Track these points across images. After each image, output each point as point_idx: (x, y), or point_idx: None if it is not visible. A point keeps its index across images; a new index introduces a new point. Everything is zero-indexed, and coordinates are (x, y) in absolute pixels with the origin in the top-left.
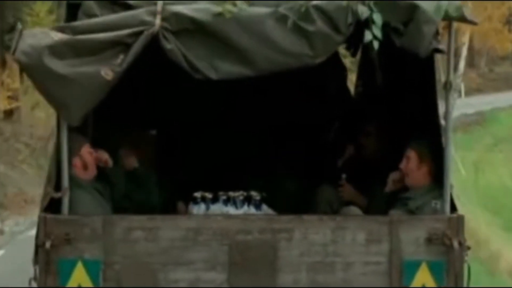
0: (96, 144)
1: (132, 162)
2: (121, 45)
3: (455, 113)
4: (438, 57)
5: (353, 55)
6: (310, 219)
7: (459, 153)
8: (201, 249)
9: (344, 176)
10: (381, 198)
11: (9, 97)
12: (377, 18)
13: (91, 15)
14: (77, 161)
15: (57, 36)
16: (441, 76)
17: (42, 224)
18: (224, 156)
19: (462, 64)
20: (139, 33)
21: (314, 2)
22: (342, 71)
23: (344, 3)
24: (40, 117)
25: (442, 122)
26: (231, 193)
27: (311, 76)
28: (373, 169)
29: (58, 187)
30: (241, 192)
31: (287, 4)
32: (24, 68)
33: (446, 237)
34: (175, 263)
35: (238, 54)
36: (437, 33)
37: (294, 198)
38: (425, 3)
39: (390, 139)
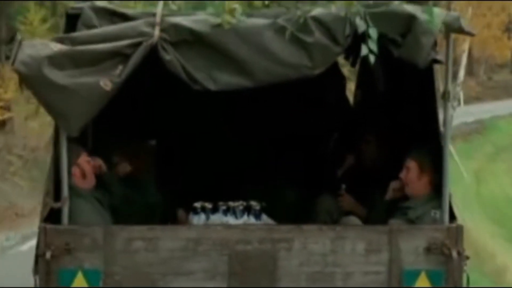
0: (93, 153)
1: (125, 167)
2: (120, 56)
3: (455, 121)
4: (437, 66)
5: (352, 65)
6: (310, 229)
7: (459, 162)
8: (201, 259)
9: (343, 186)
10: (380, 208)
11: (1, 107)
12: (373, 32)
13: (90, 26)
14: (76, 171)
15: (57, 47)
16: (440, 85)
17: (42, 235)
18: (224, 166)
19: (462, 73)
20: (138, 44)
21: (313, 13)
22: (341, 80)
23: (342, 14)
24: (34, 128)
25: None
26: (231, 203)
27: (310, 86)
28: (373, 178)
29: (57, 197)
30: (240, 202)
31: (286, 16)
32: (23, 79)
33: (445, 246)
34: (175, 273)
35: (237, 65)
36: (435, 44)
37: (294, 208)
38: (423, 14)
39: (390, 148)
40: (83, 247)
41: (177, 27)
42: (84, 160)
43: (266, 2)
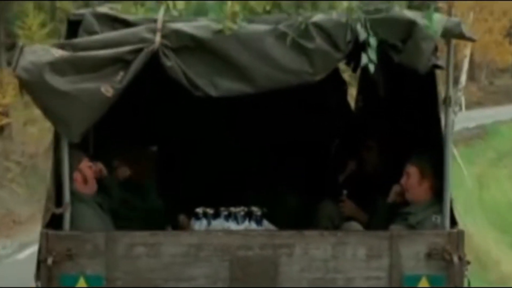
0: (94, 158)
1: (124, 171)
2: (121, 62)
3: (456, 126)
4: (439, 71)
5: (354, 70)
6: (311, 235)
7: (461, 168)
8: (203, 264)
9: (345, 192)
10: (382, 213)
11: None
12: (373, 41)
13: (92, 32)
14: (77, 176)
15: (58, 53)
16: (441, 90)
17: (44, 240)
18: (225, 172)
19: (463, 77)
20: (139, 50)
21: (314, 20)
22: (342, 86)
23: (343, 20)
24: (33, 134)
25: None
26: (232, 209)
27: (311, 92)
28: (374, 184)
29: (58, 202)
30: (242, 208)
31: (287, 22)
32: (24, 85)
33: (446, 252)
34: (177, 279)
35: (238, 71)
36: (436, 49)
37: (295, 213)
38: (424, 20)
39: (391, 154)
40: (85, 253)
41: (178, 33)
42: (86, 165)
43: (268, 8)
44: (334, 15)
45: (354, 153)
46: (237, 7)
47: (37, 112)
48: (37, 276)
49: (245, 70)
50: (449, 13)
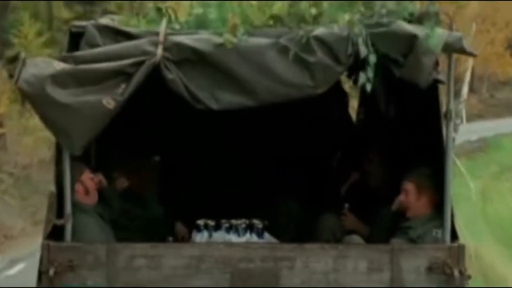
0: (95, 170)
1: (122, 182)
2: (123, 74)
3: (458, 139)
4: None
5: (355, 83)
6: (312, 248)
7: (465, 181)
8: (204, 277)
9: (346, 205)
10: (383, 225)
11: None
12: (373, 58)
13: (94, 45)
14: (79, 187)
15: (59, 65)
16: (442, 103)
17: (45, 251)
18: (227, 184)
19: (465, 90)
20: (141, 63)
21: (315, 33)
22: (344, 98)
23: (345, 34)
24: (27, 144)
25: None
26: (234, 221)
27: (312, 104)
28: (376, 196)
29: (60, 213)
30: (243, 220)
31: (288, 35)
32: (26, 97)
33: (447, 266)
34: None
35: (239, 85)
36: (437, 64)
37: (296, 226)
38: (425, 34)
39: (393, 167)
40: (86, 264)
41: (180, 46)
42: (88, 177)
43: (270, 22)
44: (335, 28)
45: (356, 165)
46: (237, 20)
47: (31, 122)
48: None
49: (246, 84)
50: (451, 26)
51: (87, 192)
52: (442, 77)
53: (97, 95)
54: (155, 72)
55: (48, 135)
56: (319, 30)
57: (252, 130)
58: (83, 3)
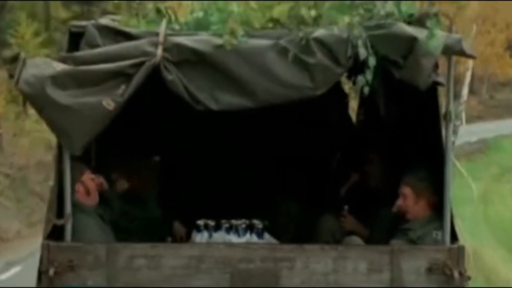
0: (95, 171)
1: (122, 184)
2: (123, 75)
3: (458, 141)
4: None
5: (355, 84)
6: (312, 249)
7: (465, 182)
8: (203, 277)
9: (346, 207)
10: (383, 227)
11: None
12: (372, 61)
13: (94, 45)
14: (79, 187)
15: (59, 66)
16: (442, 104)
17: (45, 251)
18: (226, 185)
19: (465, 91)
20: (141, 63)
21: (315, 35)
22: (343, 99)
23: (345, 36)
24: (23, 145)
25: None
26: (234, 221)
27: (312, 105)
28: (376, 197)
29: (60, 213)
30: (243, 221)
31: (288, 37)
32: (27, 98)
33: (447, 267)
34: None
35: (239, 86)
36: (436, 65)
37: (296, 226)
38: (425, 36)
39: (393, 168)
40: (86, 264)
41: (179, 47)
42: (89, 177)
43: (270, 25)
44: (335, 30)
45: (355, 166)
46: (236, 24)
47: (28, 123)
48: (38, 287)
49: (246, 85)
50: (450, 28)
51: (87, 192)
52: (441, 79)
53: (97, 96)
54: (155, 73)
55: (44, 136)
56: (319, 32)
57: (252, 131)
58: (81, 3)
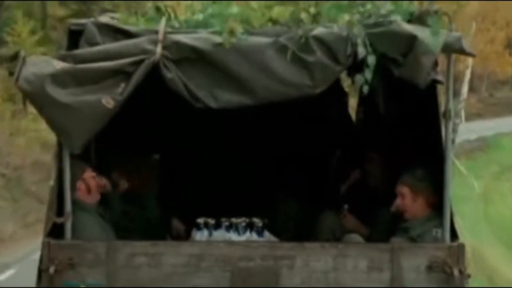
0: (95, 169)
1: (123, 185)
2: (122, 73)
3: (457, 139)
4: None
5: (354, 82)
6: (312, 247)
7: (465, 181)
8: (204, 275)
9: (346, 206)
10: (383, 226)
11: None
12: (371, 60)
13: (93, 43)
14: (81, 185)
15: (59, 64)
16: (442, 102)
17: (45, 249)
18: (226, 183)
19: (465, 89)
20: (140, 61)
21: (314, 33)
22: (343, 97)
23: (344, 34)
24: (19, 145)
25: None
26: (234, 220)
27: (311, 103)
28: (376, 196)
29: (60, 212)
30: (243, 219)
31: (287, 35)
32: (27, 96)
33: (447, 265)
34: None
35: (238, 84)
36: (436, 63)
37: (296, 224)
38: (424, 34)
39: (393, 166)
40: (86, 262)
41: (179, 45)
42: (90, 175)
43: (269, 25)
44: (335, 28)
45: (355, 164)
46: (236, 23)
47: (24, 122)
48: (38, 285)
49: (245, 82)
50: (450, 26)
51: (89, 190)
52: (441, 77)
53: (96, 95)
54: (154, 71)
55: (41, 136)
56: (318, 30)
57: (252, 129)
58: (78, 1)
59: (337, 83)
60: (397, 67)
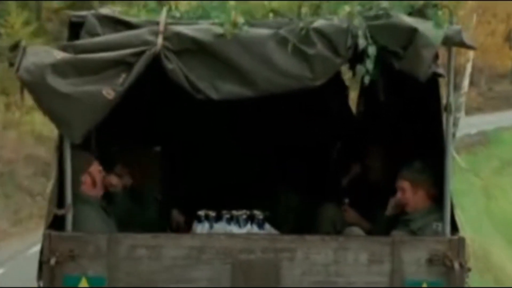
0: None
1: (127, 181)
2: (123, 64)
3: (458, 133)
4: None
5: (354, 75)
6: (313, 239)
7: (466, 176)
8: (204, 267)
9: (347, 200)
10: (384, 221)
11: None
12: (372, 50)
13: (94, 34)
14: (87, 178)
15: (59, 55)
16: (443, 95)
17: (47, 241)
18: (227, 175)
19: (466, 82)
20: (141, 52)
21: (315, 25)
22: (344, 90)
23: (344, 26)
24: (12, 138)
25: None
26: (234, 212)
27: (312, 96)
28: (377, 190)
29: (60, 204)
30: (244, 211)
31: (288, 26)
32: (26, 86)
33: (447, 258)
34: (178, 281)
35: (239, 75)
36: (436, 56)
37: (297, 216)
38: (425, 27)
39: (394, 159)
40: (87, 254)
41: (180, 36)
42: (96, 169)
43: (270, 15)
44: (335, 20)
45: (356, 156)
46: (239, 17)
47: (17, 115)
48: (39, 277)
49: (246, 74)
50: (451, 19)
51: (94, 184)
52: (441, 70)
53: (97, 85)
54: (155, 62)
55: (34, 129)
56: (319, 22)
57: (253, 121)
58: None
59: (337, 76)
60: (398, 60)
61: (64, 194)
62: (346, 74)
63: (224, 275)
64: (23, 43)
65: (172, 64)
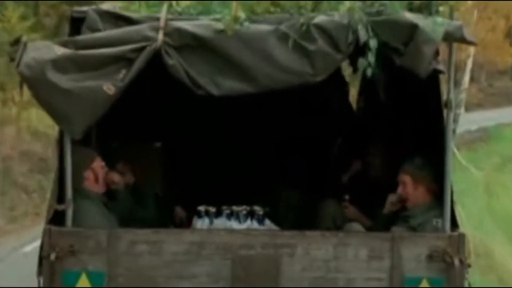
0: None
1: (129, 178)
2: (124, 60)
3: (458, 129)
4: None
5: (355, 71)
6: (313, 235)
7: (466, 173)
8: (204, 263)
9: (347, 197)
10: (384, 217)
11: None
12: (373, 44)
13: (95, 30)
14: (89, 174)
15: (60, 50)
16: (443, 92)
17: (47, 236)
18: (227, 171)
19: (466, 78)
20: (142, 48)
21: (315, 21)
22: (344, 86)
23: (345, 22)
24: (9, 134)
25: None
26: (235, 208)
27: (313, 92)
28: (378, 187)
29: (61, 199)
30: (244, 207)
31: (289, 22)
32: (26, 81)
33: (447, 254)
34: (178, 276)
35: (240, 71)
36: (437, 53)
37: (297, 212)
38: (425, 23)
39: (394, 156)
40: (87, 249)
41: (180, 32)
42: (99, 165)
43: (271, 9)
44: (336, 16)
45: (356, 153)
46: (240, 12)
47: (14, 111)
48: (39, 272)
49: (247, 70)
50: (452, 14)
51: (96, 180)
52: (442, 66)
53: (97, 81)
54: (156, 58)
55: (31, 125)
56: (320, 18)
57: (253, 117)
58: None
59: (338, 72)
60: (398, 56)
61: (64, 189)
62: (347, 70)
63: (224, 271)
64: (24, 38)
65: (172, 60)
